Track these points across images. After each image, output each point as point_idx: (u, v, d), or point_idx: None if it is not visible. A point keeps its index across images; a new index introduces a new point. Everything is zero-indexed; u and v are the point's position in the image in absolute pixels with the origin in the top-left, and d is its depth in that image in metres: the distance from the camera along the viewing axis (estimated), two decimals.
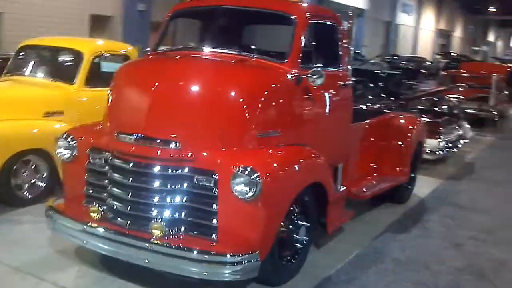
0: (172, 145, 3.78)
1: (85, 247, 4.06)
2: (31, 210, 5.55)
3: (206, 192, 3.73)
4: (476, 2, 49.71)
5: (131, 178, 3.85)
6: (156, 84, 3.92)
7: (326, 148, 4.56)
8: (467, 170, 9.02)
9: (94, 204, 4.02)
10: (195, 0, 5.21)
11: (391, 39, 39.33)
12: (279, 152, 3.99)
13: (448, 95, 11.29)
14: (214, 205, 3.70)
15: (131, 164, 3.85)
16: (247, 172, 3.55)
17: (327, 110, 4.61)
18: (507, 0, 43.42)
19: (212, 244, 3.70)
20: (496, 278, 4.64)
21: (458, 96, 11.59)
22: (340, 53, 4.95)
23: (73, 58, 6.51)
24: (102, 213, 3.96)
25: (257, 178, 3.53)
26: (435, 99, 10.85)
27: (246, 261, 3.57)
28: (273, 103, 4.06)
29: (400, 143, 6.29)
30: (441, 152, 8.62)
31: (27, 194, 5.72)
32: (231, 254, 3.56)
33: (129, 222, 3.85)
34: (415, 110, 9.11)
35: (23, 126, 5.75)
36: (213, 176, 3.69)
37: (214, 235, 3.73)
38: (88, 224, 3.94)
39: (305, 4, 4.75)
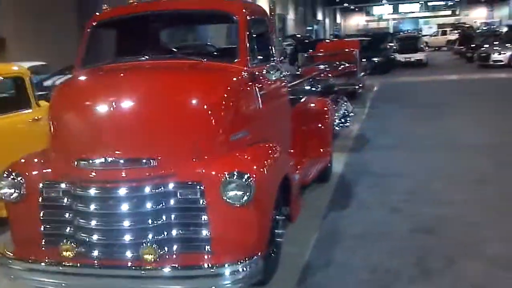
0: (150, 163, 3.57)
1: None
2: None
3: (193, 205, 3.59)
4: None
5: (108, 205, 3.57)
6: (118, 102, 3.66)
7: (280, 139, 4.62)
8: (361, 141, 9.63)
9: (65, 241, 3.64)
10: (121, 8, 4.88)
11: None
12: (255, 151, 3.96)
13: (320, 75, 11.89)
14: (204, 217, 3.58)
15: (108, 191, 3.56)
16: (238, 176, 3.48)
17: (277, 102, 4.66)
18: None
19: (208, 257, 3.59)
20: (444, 232, 5.07)
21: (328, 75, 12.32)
22: (272, 46, 5.01)
23: None
24: (76, 249, 3.62)
25: (250, 181, 3.48)
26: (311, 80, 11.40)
27: (247, 267, 3.51)
28: (239, 104, 4.02)
29: (320, 125, 6.55)
30: (337, 129, 9.11)
31: None
32: (230, 263, 3.48)
33: (115, 252, 3.58)
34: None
35: None
36: (199, 187, 3.57)
37: (208, 248, 3.60)
38: (65, 264, 3.58)
39: (240, 2, 4.72)
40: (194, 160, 3.66)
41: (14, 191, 3.85)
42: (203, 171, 3.60)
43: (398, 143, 9.37)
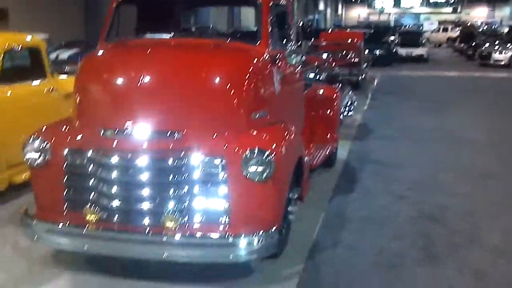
0: (176, 136, 3.69)
1: (66, 252, 3.91)
2: None
3: (214, 178, 3.72)
4: None
5: (134, 174, 3.69)
6: (146, 75, 3.78)
7: (295, 122, 4.75)
8: (364, 130, 9.78)
9: (88, 206, 3.77)
10: None
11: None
12: (274, 131, 4.09)
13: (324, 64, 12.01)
14: (224, 190, 3.71)
15: (134, 160, 3.68)
16: (259, 153, 3.61)
17: (294, 86, 4.79)
18: None
19: (226, 228, 3.72)
20: (446, 220, 5.24)
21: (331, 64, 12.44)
22: (291, 30, 5.13)
23: None
24: (99, 214, 3.75)
25: (270, 158, 3.61)
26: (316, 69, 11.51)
27: (263, 240, 3.66)
28: (261, 84, 4.13)
29: (328, 111, 6.68)
30: (341, 117, 9.24)
31: None
32: (246, 234, 3.63)
33: (136, 219, 3.71)
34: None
35: None
36: (221, 161, 3.69)
37: (226, 219, 3.74)
38: (88, 227, 3.71)
39: None
40: (217, 135, 3.78)
41: (40, 156, 3.96)
42: (226, 146, 3.72)
43: (400, 134, 9.53)
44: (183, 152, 3.70)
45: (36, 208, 4.12)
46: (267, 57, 4.31)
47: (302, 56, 4.40)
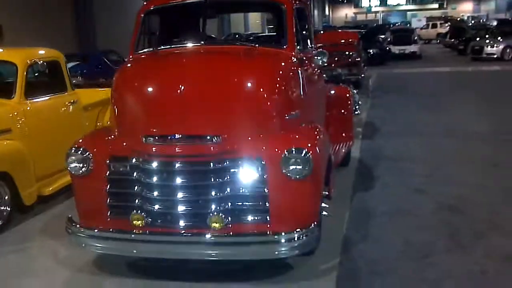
0: (215, 140, 3.86)
1: (107, 259, 4.06)
2: (4, 238, 5.18)
3: (254, 178, 3.89)
4: None
5: (178, 178, 3.86)
6: (184, 82, 3.95)
7: (320, 122, 4.95)
8: (371, 128, 9.99)
9: (135, 212, 3.94)
10: None
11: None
12: (307, 131, 4.28)
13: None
14: (264, 189, 3.88)
15: (177, 165, 3.86)
16: (298, 152, 3.80)
17: (317, 87, 4.98)
18: None
19: (268, 226, 3.89)
20: (466, 209, 5.45)
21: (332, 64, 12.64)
22: (311, 32, 5.32)
23: (6, 70, 6.02)
24: (146, 219, 3.91)
25: (309, 156, 3.80)
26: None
27: (304, 235, 3.84)
28: (292, 86, 4.32)
29: (343, 111, 6.88)
30: None
31: None
32: (288, 231, 3.80)
33: (182, 221, 3.88)
34: None
35: None
36: (260, 162, 3.87)
37: (267, 217, 3.91)
38: (135, 232, 3.88)
39: None
40: (254, 137, 3.96)
41: (82, 166, 4.12)
42: (264, 147, 3.90)
43: (405, 130, 9.76)
44: (223, 155, 3.88)
45: (78, 216, 4.28)
46: (295, 60, 4.50)
47: (327, 57, 4.59)
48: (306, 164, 3.79)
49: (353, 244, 4.70)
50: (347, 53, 15.15)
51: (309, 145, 3.92)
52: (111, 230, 3.95)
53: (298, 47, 4.70)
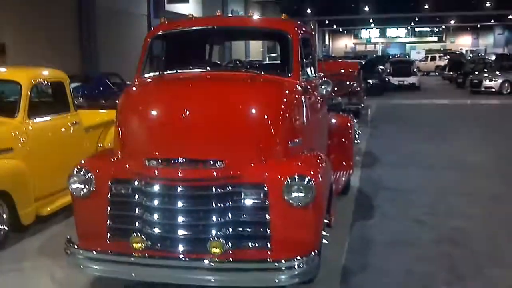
0: (218, 165, 3.87)
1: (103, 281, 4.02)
2: (1, 257, 5.12)
3: (256, 204, 3.89)
4: (295, 4, 53.58)
5: (179, 202, 3.85)
6: (189, 107, 3.98)
7: (321, 149, 4.97)
8: (370, 158, 10.00)
9: (134, 234, 3.91)
10: (181, 21, 5.20)
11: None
12: (310, 158, 4.29)
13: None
14: (266, 216, 3.87)
15: (179, 188, 3.85)
16: (300, 179, 3.80)
17: (320, 115, 5.01)
18: (321, 2, 48.41)
19: (268, 253, 3.87)
20: (466, 241, 5.43)
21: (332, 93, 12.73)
22: (315, 61, 5.38)
23: (10, 89, 6.05)
24: (145, 242, 3.89)
25: (312, 183, 3.80)
26: None
27: (305, 263, 3.81)
28: (296, 114, 4.36)
29: (344, 140, 6.90)
30: None
31: None
32: (289, 259, 3.77)
33: (182, 245, 3.86)
34: None
35: None
36: (263, 188, 3.87)
37: (268, 244, 3.89)
38: (135, 255, 3.85)
39: (293, 21, 5.09)
40: (257, 163, 3.96)
41: (84, 187, 4.11)
42: (267, 174, 3.90)
43: (405, 160, 9.77)
44: (226, 180, 3.87)
45: (78, 237, 4.25)
46: (299, 88, 4.54)
47: (331, 87, 4.63)
48: (308, 191, 3.79)
49: (352, 273, 4.67)
50: (347, 82, 15.25)
51: (312, 172, 3.92)
52: (110, 252, 3.93)
53: (303, 75, 4.75)
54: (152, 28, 4.95)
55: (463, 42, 74.14)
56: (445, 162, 9.52)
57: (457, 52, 50.24)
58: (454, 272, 4.66)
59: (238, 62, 5.19)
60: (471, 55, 49.89)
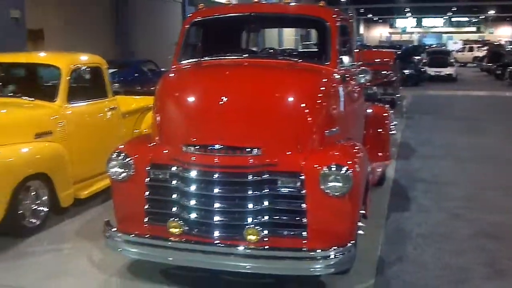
0: (255, 152, 3.86)
1: (141, 264, 4.07)
2: (41, 238, 5.25)
3: (293, 193, 3.87)
4: None
5: (215, 188, 3.87)
6: (227, 94, 3.98)
7: (358, 139, 4.91)
8: (406, 149, 9.87)
9: (172, 219, 3.95)
10: (218, 8, 5.20)
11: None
12: (347, 148, 4.25)
13: None
14: (302, 205, 3.84)
15: (216, 175, 3.86)
16: (338, 169, 3.76)
17: (357, 104, 4.95)
18: None
19: (304, 242, 3.86)
20: (505, 236, 5.31)
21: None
22: (353, 49, 5.31)
23: (50, 74, 6.15)
24: (182, 227, 3.92)
25: (349, 173, 3.76)
26: None
27: (340, 254, 3.79)
28: (333, 103, 4.31)
29: (380, 130, 6.81)
30: None
31: (35, 221, 5.35)
32: (325, 248, 3.76)
33: (219, 231, 3.88)
34: None
35: (26, 151, 5.37)
36: (300, 177, 3.84)
37: (304, 233, 3.87)
38: (172, 239, 3.89)
39: (331, 9, 5.02)
40: (294, 152, 3.94)
41: (123, 171, 4.16)
42: (304, 163, 3.88)
43: (441, 152, 9.62)
44: (262, 168, 3.87)
45: (116, 220, 4.31)
46: (337, 77, 4.49)
47: (370, 75, 4.57)
48: (346, 181, 3.76)
49: (388, 265, 4.62)
50: (383, 72, 15.03)
51: (349, 162, 3.88)
52: (147, 236, 3.98)
53: (340, 64, 4.69)
54: (187, 15, 4.97)
55: (502, 33, 72.03)
56: (482, 155, 9.33)
57: (496, 43, 48.92)
58: (493, 267, 4.57)
59: (269, 50, 5.15)
60: (511, 46, 48.46)
